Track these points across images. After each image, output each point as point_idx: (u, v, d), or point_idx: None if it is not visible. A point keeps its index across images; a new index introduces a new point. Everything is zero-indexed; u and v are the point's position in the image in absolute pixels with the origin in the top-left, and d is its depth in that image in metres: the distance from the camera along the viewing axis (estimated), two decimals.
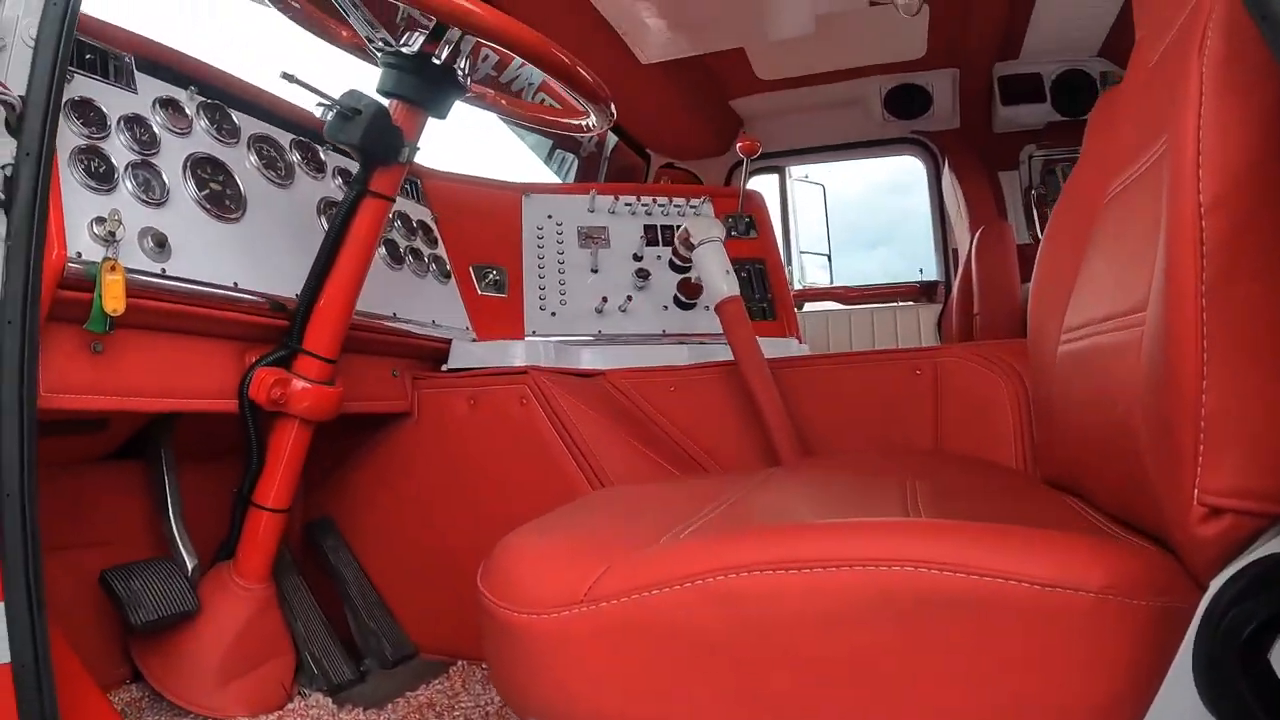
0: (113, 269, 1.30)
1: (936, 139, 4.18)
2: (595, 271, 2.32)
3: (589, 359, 2.17)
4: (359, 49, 1.77)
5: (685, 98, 3.71)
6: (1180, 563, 0.77)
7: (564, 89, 1.50)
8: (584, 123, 1.68)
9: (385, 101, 1.54)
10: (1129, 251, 1.01)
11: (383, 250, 1.95)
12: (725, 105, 4.02)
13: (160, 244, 1.42)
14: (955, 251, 4.14)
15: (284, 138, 1.84)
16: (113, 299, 1.29)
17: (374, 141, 1.48)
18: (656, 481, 1.62)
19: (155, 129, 1.53)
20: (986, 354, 1.95)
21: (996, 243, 3.34)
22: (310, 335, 1.58)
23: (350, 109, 1.46)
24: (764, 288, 2.43)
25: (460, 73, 1.55)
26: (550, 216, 2.38)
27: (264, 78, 1.85)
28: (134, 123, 1.49)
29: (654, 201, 2.46)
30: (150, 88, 1.59)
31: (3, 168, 1.11)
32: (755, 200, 2.56)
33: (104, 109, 1.45)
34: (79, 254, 1.28)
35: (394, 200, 1.60)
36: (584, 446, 1.86)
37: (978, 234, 3.39)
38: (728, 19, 3.04)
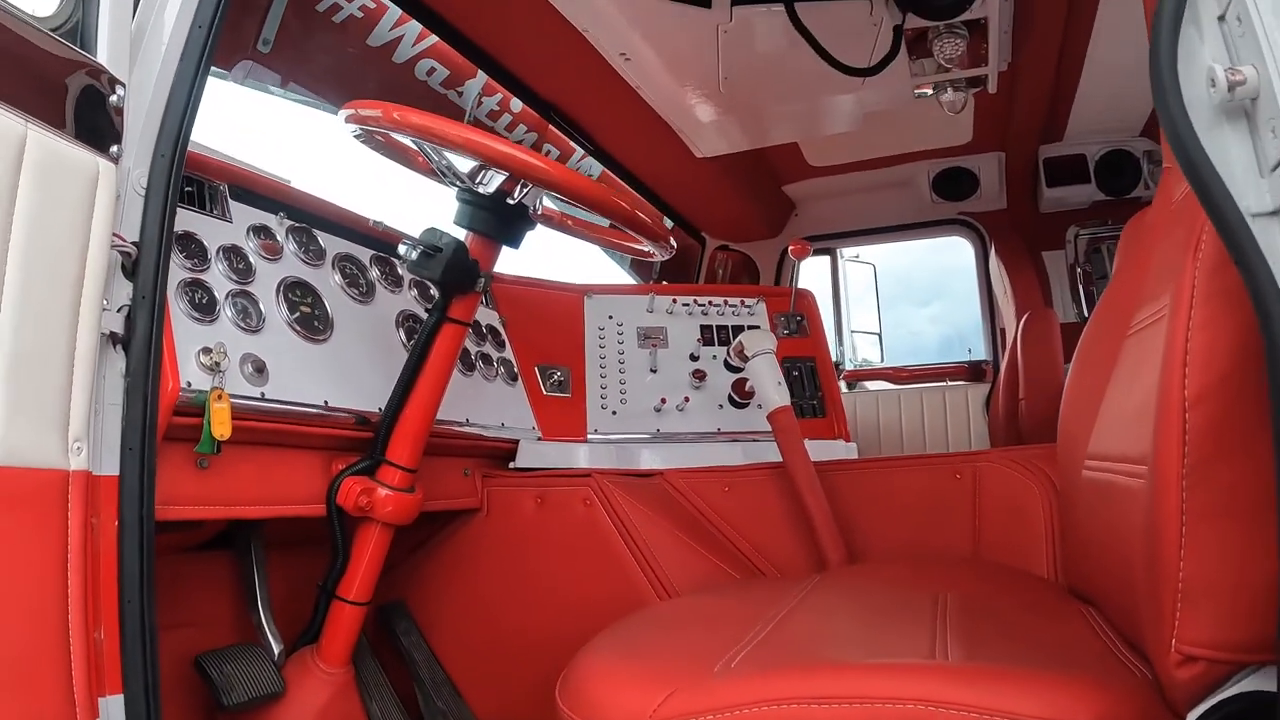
0: (219, 398, 1.44)
1: (984, 220, 4.27)
2: (654, 371, 2.45)
3: (648, 457, 2.29)
4: (432, 175, 1.93)
5: (739, 184, 3.85)
6: (1163, 695, 0.90)
7: (629, 229, 1.64)
8: (646, 248, 1.82)
9: (461, 234, 1.69)
10: (1138, 400, 1.12)
11: None
12: (778, 190, 4.16)
13: (259, 369, 1.57)
14: (1003, 332, 4.19)
15: (364, 254, 2.00)
16: (220, 425, 1.43)
17: (453, 275, 1.63)
18: (711, 592, 1.73)
19: (250, 257, 1.69)
20: (1022, 459, 2.04)
21: (1041, 330, 3.40)
22: (393, 447, 1.72)
23: (432, 247, 1.61)
24: (814, 385, 2.53)
25: (531, 208, 1.70)
26: (611, 317, 2.52)
27: (320, 182, 2.00)
28: (231, 253, 1.65)
29: (709, 302, 2.59)
30: (243, 215, 1.74)
31: (120, 309, 1.24)
32: (807, 300, 2.67)
33: (204, 241, 1.60)
34: (189, 384, 1.42)
35: (470, 324, 1.75)
36: (643, 546, 1.98)
37: (1023, 321, 3.46)
38: (781, 118, 3.19)
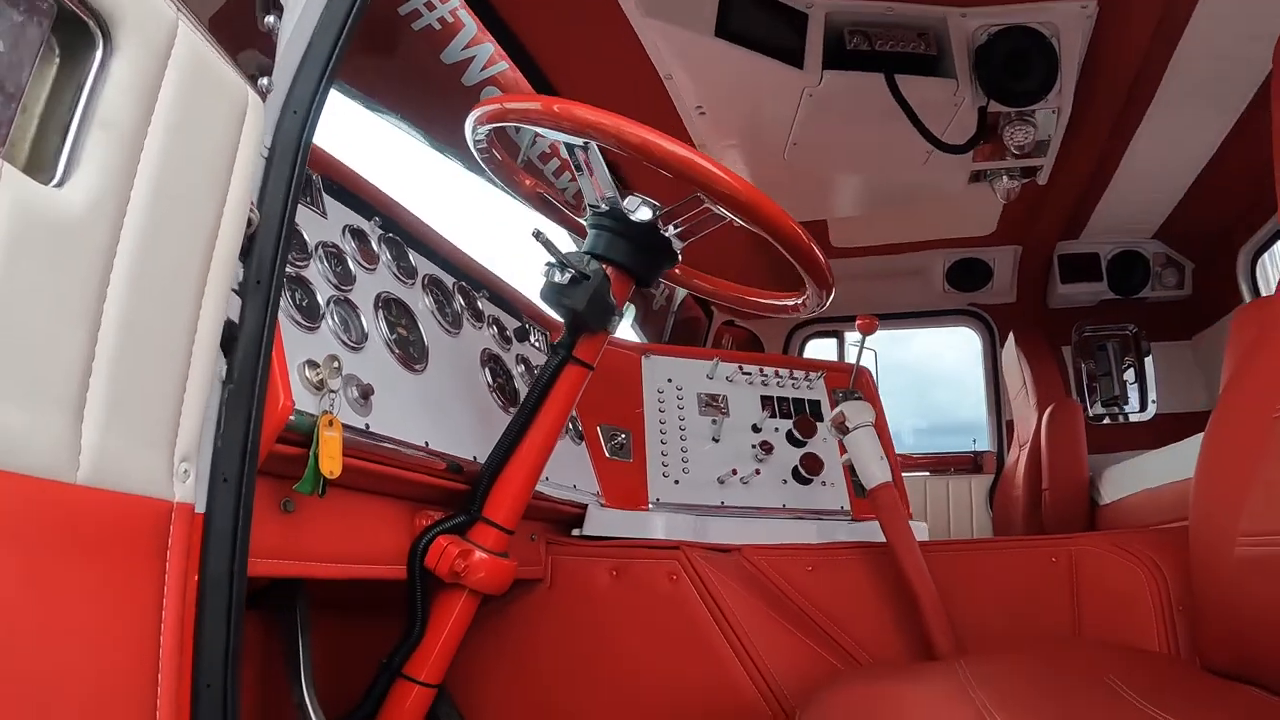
0: (330, 424, 1.19)
1: (993, 312, 4.28)
2: (716, 441, 2.29)
3: (715, 530, 2.11)
4: (540, 198, 1.77)
5: (757, 258, 3.78)
6: None
7: (802, 271, 1.49)
8: (789, 303, 1.68)
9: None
10: None
11: None
12: (793, 268, 4.09)
13: (365, 395, 1.32)
14: (1009, 424, 4.17)
15: (448, 280, 1.79)
16: (329, 459, 1.17)
17: (594, 310, 1.45)
18: (866, 679, 1.55)
19: (348, 261, 1.45)
20: (1122, 544, 1.97)
21: (1066, 421, 3.41)
22: (492, 502, 1.51)
23: (581, 273, 1.44)
24: None
25: (676, 244, 1.55)
26: (670, 380, 2.36)
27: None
28: (332, 252, 1.41)
29: (775, 373, 2.46)
30: (337, 214, 1.52)
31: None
32: (865, 378, 2.57)
33: (304, 233, 1.36)
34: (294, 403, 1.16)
35: (593, 369, 1.57)
36: (736, 627, 1.79)
37: (1048, 412, 3.44)
38: (835, 190, 3.16)
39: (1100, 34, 2.46)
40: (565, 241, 1.84)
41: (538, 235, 1.40)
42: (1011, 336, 3.90)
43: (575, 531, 2.02)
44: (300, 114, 1.05)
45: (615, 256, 1.48)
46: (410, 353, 1.52)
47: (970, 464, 4.36)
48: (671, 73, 2.35)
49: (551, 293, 1.45)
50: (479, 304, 1.88)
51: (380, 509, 1.46)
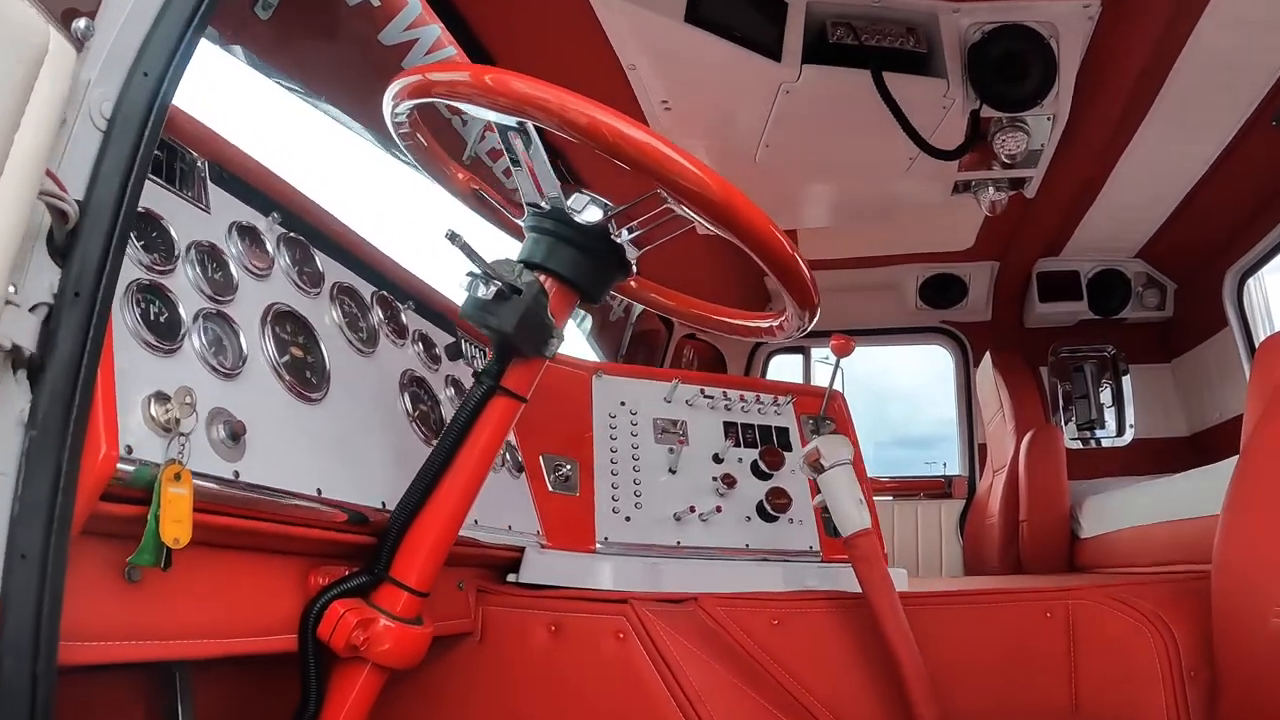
0: (177, 477, 0.93)
1: (966, 330, 4.10)
2: (673, 472, 2.05)
3: (671, 576, 1.87)
4: (476, 196, 1.53)
5: (720, 269, 3.56)
6: None
7: (781, 288, 1.24)
8: (764, 325, 1.45)
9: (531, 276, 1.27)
10: None
11: None
12: (759, 281, 3.88)
13: (235, 436, 1.06)
14: (982, 448, 3.98)
15: (365, 290, 1.54)
16: (175, 523, 0.91)
17: (527, 331, 1.21)
18: None
19: (232, 267, 1.19)
20: (1124, 597, 1.81)
21: (1047, 448, 3.24)
22: (401, 560, 1.26)
23: (510, 286, 1.19)
24: None
25: (629, 252, 1.31)
26: (624, 404, 2.12)
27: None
28: (208, 255, 1.16)
29: (740, 397, 2.23)
30: (225, 208, 1.26)
31: (34, 309, 0.76)
32: (839, 403, 2.35)
33: (171, 230, 1.11)
34: (129, 449, 0.90)
35: (526, 401, 1.33)
36: (693, 696, 1.56)
37: (1027, 438, 3.26)
38: (807, 200, 2.95)
39: (1101, 36, 2.28)
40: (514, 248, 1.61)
41: (453, 238, 1.14)
42: (988, 356, 3.72)
43: (511, 577, 1.78)
44: (153, 76, 0.84)
45: (555, 267, 1.24)
46: (306, 378, 1.26)
47: (940, 489, 4.16)
48: (636, 63, 2.12)
49: (474, 310, 1.21)
50: (403, 317, 1.63)
51: (264, 568, 1.20)
